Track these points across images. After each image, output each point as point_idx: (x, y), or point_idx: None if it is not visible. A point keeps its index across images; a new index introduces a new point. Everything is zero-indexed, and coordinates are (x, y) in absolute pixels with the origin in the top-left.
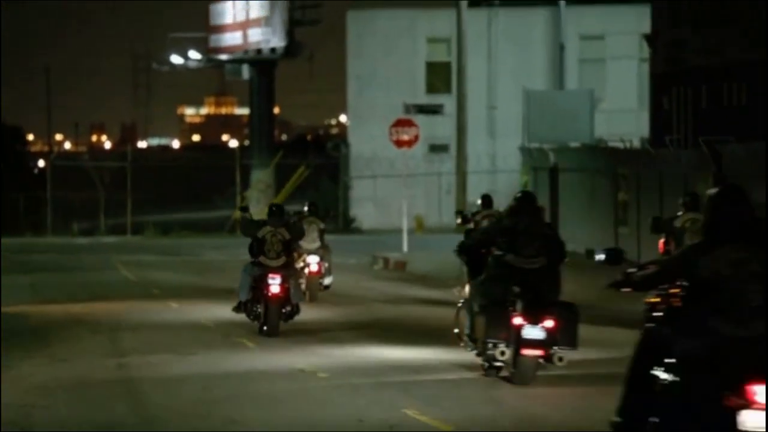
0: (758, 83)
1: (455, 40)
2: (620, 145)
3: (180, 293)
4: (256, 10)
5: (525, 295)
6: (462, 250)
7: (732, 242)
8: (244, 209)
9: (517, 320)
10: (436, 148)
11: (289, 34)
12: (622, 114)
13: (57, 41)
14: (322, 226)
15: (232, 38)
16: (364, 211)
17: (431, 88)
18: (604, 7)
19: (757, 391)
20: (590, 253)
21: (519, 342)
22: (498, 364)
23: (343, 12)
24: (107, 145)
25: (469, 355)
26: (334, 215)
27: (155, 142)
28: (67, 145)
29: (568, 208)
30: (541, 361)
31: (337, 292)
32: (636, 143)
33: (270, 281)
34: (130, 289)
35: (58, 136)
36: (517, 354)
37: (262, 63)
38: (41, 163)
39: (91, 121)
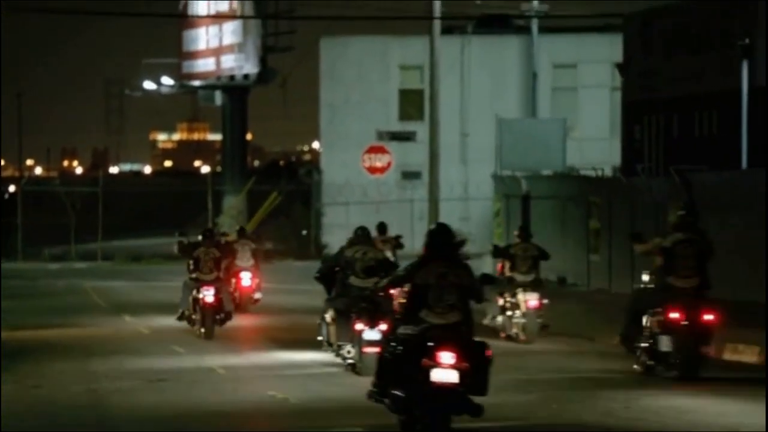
0: (729, 112)
1: (428, 67)
2: (592, 173)
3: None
4: (229, 37)
5: (365, 307)
6: (317, 276)
7: (438, 260)
8: (182, 233)
9: (359, 326)
10: (409, 175)
11: (262, 61)
12: (594, 142)
13: (29, 66)
14: (254, 246)
15: (205, 64)
16: (336, 237)
17: (404, 115)
18: (576, 36)
19: (443, 356)
20: (562, 281)
21: (361, 343)
22: (349, 360)
23: (317, 39)
24: (79, 170)
25: (331, 356)
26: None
27: (127, 167)
28: (39, 170)
29: (540, 235)
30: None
31: (270, 306)
32: (608, 172)
33: (205, 292)
34: (100, 314)
35: (29, 161)
36: (360, 352)
37: (234, 89)
38: (12, 188)
39: (62, 146)
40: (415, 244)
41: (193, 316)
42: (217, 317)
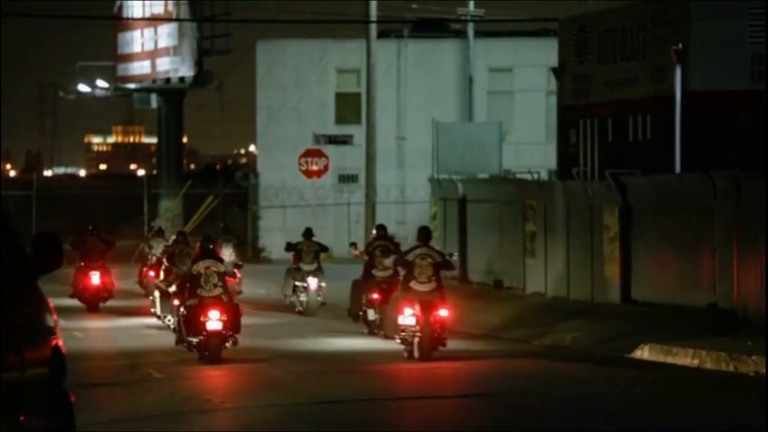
0: (662, 117)
1: (365, 70)
2: (528, 176)
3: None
4: (165, 40)
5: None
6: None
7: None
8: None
9: (175, 302)
10: (346, 179)
11: (198, 64)
12: (530, 146)
13: None
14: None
15: (140, 67)
16: (273, 241)
17: (341, 119)
18: (512, 40)
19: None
20: (499, 284)
21: (178, 313)
22: (170, 324)
23: (253, 42)
24: (12, 173)
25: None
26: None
27: (61, 170)
28: None
29: (477, 238)
30: None
31: None
32: (544, 175)
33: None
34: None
35: None
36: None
37: (170, 92)
38: None
39: None
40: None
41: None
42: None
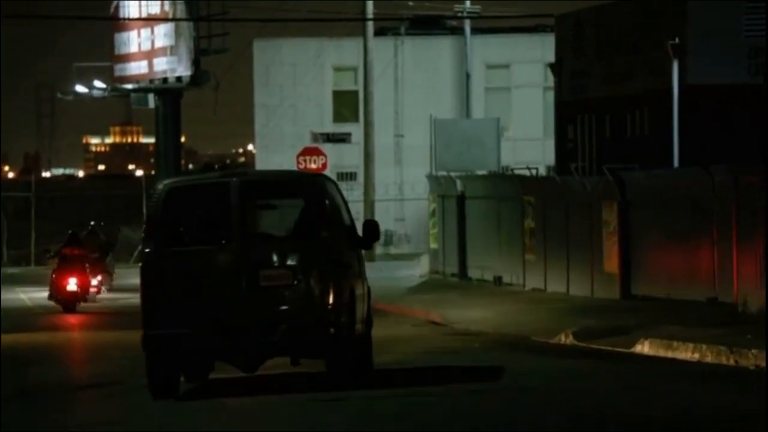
0: (660, 112)
1: (362, 68)
2: (526, 172)
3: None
4: (162, 39)
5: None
6: None
7: None
8: None
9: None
10: (344, 176)
11: (195, 63)
12: (528, 142)
13: None
14: None
15: (137, 67)
16: None
17: (338, 117)
18: (509, 36)
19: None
20: (498, 280)
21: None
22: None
23: (250, 41)
24: (10, 175)
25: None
26: None
27: (60, 171)
28: None
29: (476, 235)
30: None
31: None
32: (542, 171)
33: None
34: (35, 319)
35: None
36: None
37: (168, 92)
38: None
39: None
40: None
41: None
42: None
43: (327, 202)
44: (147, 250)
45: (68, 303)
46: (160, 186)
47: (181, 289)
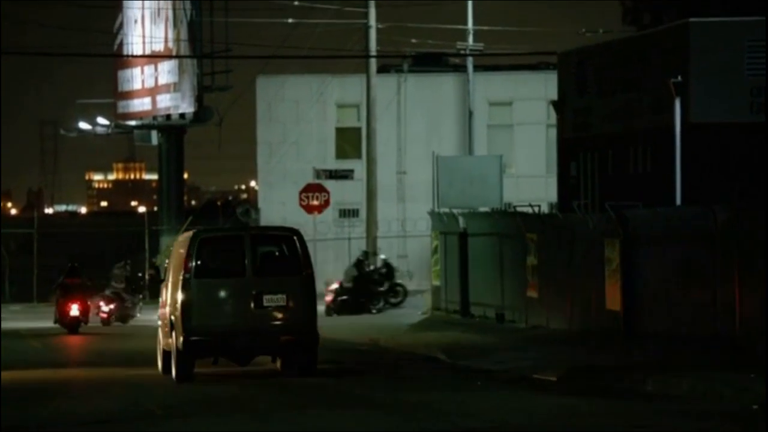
0: (663, 149)
1: (365, 105)
2: (529, 210)
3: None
4: (165, 76)
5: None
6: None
7: None
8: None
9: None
10: (347, 213)
11: (199, 100)
12: (531, 179)
13: None
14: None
15: (140, 104)
16: None
17: (341, 154)
18: (511, 73)
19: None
20: (500, 318)
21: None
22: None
23: (253, 78)
24: (13, 211)
25: None
26: None
27: (62, 208)
28: None
29: (478, 272)
30: None
31: None
32: (544, 208)
33: None
34: (37, 357)
35: None
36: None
37: (171, 129)
38: None
39: None
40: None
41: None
42: None
43: (305, 249)
44: (184, 279)
45: (71, 326)
46: (190, 234)
47: (209, 308)
